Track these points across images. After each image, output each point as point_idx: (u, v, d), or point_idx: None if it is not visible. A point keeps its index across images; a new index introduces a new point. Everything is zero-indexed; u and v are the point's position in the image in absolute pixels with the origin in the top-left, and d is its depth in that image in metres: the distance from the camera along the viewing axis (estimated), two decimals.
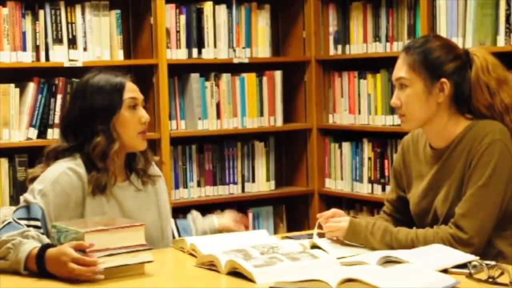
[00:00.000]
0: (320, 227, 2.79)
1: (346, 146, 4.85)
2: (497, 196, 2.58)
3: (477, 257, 2.40)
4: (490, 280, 2.25)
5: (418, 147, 2.81)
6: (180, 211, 4.66)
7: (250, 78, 4.85)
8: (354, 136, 4.83)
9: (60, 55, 4.29)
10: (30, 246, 2.52)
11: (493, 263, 2.30)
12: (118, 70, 2.95)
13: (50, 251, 2.47)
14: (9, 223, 2.68)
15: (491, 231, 2.59)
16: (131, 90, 2.88)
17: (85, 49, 4.36)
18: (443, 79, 2.65)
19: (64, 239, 2.50)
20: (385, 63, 4.60)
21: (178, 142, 4.68)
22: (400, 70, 2.70)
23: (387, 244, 2.61)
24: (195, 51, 4.66)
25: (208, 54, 4.70)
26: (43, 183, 2.76)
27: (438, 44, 2.71)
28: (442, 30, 4.11)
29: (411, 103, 2.67)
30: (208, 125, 4.69)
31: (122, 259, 2.44)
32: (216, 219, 3.14)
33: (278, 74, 4.94)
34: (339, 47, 4.87)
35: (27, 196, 2.76)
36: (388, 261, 2.42)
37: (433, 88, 2.65)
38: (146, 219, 2.84)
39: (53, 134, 4.25)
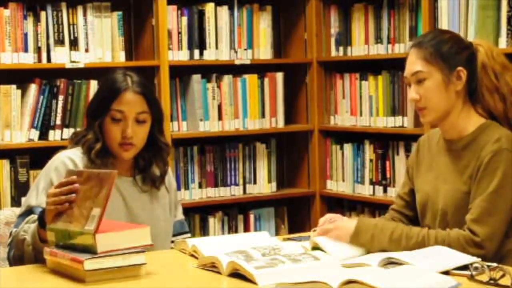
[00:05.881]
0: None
1: (348, 147, 4.85)
2: (506, 202, 2.59)
3: (479, 259, 2.40)
4: (492, 282, 2.25)
5: (432, 143, 2.85)
6: None
7: (251, 79, 4.85)
8: (355, 137, 4.83)
9: (61, 57, 4.30)
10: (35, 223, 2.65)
11: (494, 264, 2.30)
12: (141, 76, 2.93)
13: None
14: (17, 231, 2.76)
15: (503, 236, 2.60)
16: (124, 102, 2.84)
17: (86, 50, 4.37)
18: (459, 68, 2.69)
19: (69, 240, 2.51)
20: (387, 65, 4.60)
21: (179, 143, 4.68)
22: (415, 64, 2.71)
23: (396, 240, 2.59)
24: (196, 52, 4.67)
25: (210, 55, 4.71)
26: (44, 179, 2.82)
27: (449, 36, 2.76)
28: None
29: (432, 95, 2.69)
30: (210, 126, 4.69)
31: (114, 261, 2.42)
32: None
33: (279, 76, 4.94)
34: (341, 48, 4.87)
35: (29, 200, 2.82)
36: (389, 263, 2.42)
37: (451, 77, 2.69)
38: (152, 221, 2.84)
39: (55, 135, 4.25)
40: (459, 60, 2.70)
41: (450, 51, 2.70)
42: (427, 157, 2.85)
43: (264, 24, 4.90)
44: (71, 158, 2.85)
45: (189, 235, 3.11)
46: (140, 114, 2.85)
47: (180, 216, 3.11)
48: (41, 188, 2.80)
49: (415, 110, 2.83)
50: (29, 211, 2.79)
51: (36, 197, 2.79)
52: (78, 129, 3.07)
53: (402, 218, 2.89)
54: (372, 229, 2.63)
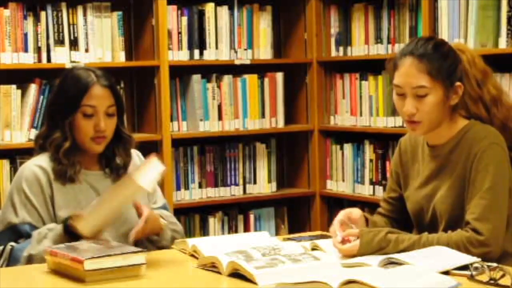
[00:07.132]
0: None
1: (348, 147, 4.85)
2: (504, 196, 2.59)
3: (479, 259, 2.40)
4: (492, 282, 2.25)
5: (416, 146, 2.81)
6: (181, 212, 4.66)
7: (251, 79, 4.85)
8: (355, 137, 4.83)
9: (61, 57, 4.30)
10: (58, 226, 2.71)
11: (494, 264, 2.30)
12: (106, 71, 2.91)
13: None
14: (11, 248, 2.74)
15: (504, 231, 2.60)
16: (94, 97, 2.83)
17: (86, 50, 4.37)
18: (458, 83, 2.64)
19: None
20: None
21: (179, 143, 4.68)
22: (418, 78, 2.59)
23: (402, 250, 2.55)
24: (196, 52, 4.67)
25: (210, 55, 4.71)
26: (17, 193, 2.81)
27: (447, 48, 2.66)
28: (444, 32, 4.11)
29: (431, 110, 2.60)
30: (210, 126, 4.69)
31: (113, 261, 2.42)
32: None
33: (279, 76, 4.94)
34: (341, 48, 4.87)
35: (7, 216, 2.80)
36: (389, 263, 2.42)
37: (450, 92, 2.63)
38: (127, 212, 2.83)
39: None
40: (457, 75, 2.64)
41: (452, 66, 2.62)
42: (413, 164, 2.80)
43: (264, 24, 4.90)
44: (38, 165, 2.84)
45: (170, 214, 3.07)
46: (110, 107, 2.86)
47: (161, 200, 3.07)
48: (18, 203, 2.79)
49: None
50: (10, 228, 2.77)
51: (16, 214, 2.78)
52: (38, 132, 3.03)
53: (392, 223, 2.87)
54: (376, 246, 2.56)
